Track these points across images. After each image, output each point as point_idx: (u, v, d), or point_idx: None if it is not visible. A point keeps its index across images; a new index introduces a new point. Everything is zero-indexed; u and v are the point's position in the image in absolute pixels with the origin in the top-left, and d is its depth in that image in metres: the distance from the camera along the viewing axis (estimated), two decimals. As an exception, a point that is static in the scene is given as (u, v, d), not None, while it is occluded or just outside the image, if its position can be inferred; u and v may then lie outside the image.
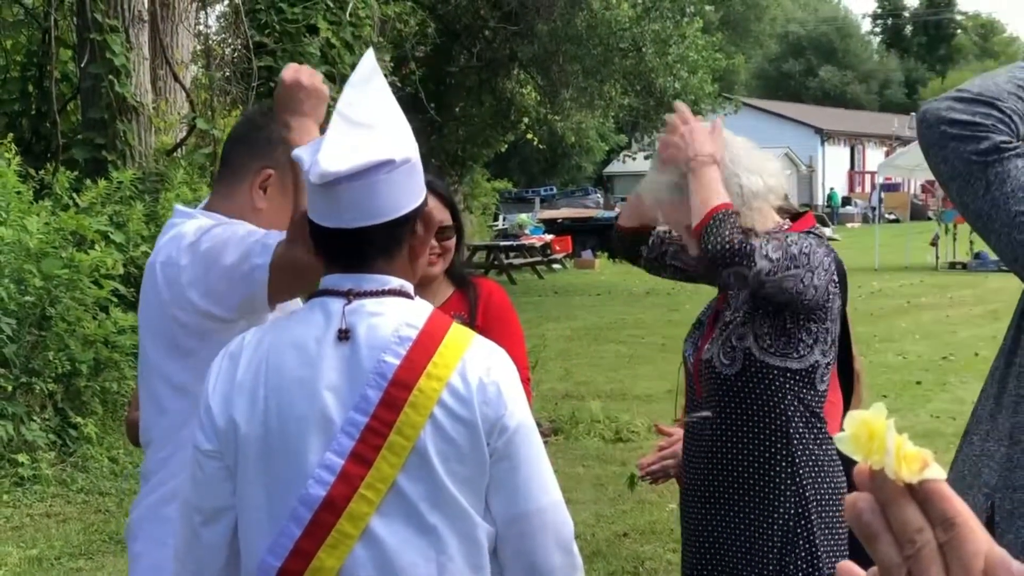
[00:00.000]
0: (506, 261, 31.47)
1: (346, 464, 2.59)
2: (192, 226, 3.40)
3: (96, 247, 11.07)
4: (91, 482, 10.06)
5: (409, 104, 21.09)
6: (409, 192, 2.71)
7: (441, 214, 4.57)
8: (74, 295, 10.70)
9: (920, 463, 1.06)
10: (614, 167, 60.90)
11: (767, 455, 3.85)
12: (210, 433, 2.70)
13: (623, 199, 47.80)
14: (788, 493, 3.83)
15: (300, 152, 2.69)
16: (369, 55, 2.77)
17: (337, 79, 18.43)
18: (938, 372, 15.59)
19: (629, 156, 32.69)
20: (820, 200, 64.16)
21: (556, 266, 34.02)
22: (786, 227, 3.90)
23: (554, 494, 2.79)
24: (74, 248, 10.99)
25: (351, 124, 2.65)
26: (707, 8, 27.01)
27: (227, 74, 14.70)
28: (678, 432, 4.38)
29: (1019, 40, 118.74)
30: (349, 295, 2.68)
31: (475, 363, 2.69)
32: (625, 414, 12.50)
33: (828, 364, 3.87)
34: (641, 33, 25.75)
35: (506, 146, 33.55)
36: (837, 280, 3.82)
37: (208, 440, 2.71)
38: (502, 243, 33.04)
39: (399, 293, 2.72)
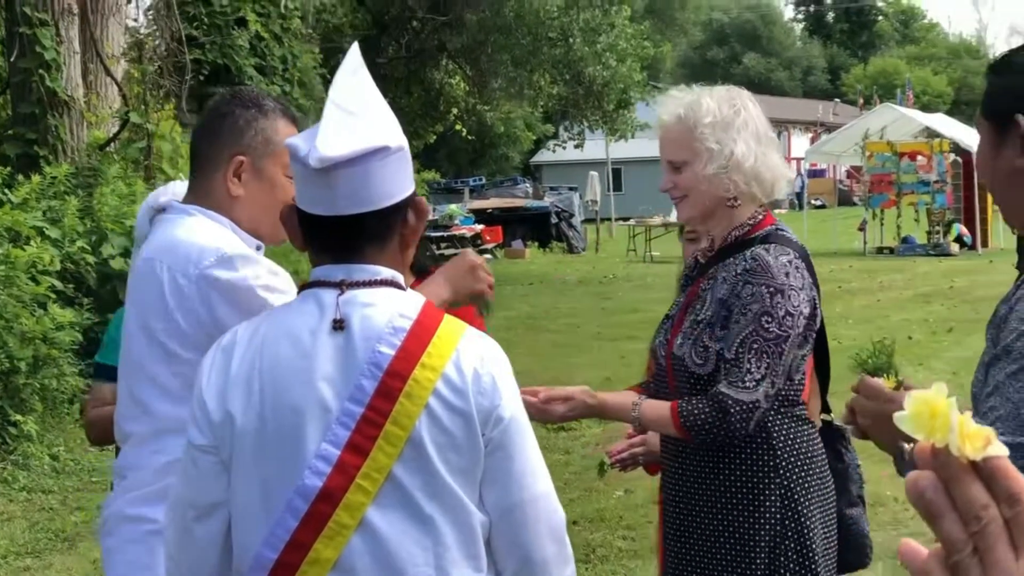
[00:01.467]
0: (437, 252, 31.44)
1: (342, 454, 2.60)
2: (203, 235, 3.39)
3: (32, 243, 10.96)
4: (33, 480, 9.97)
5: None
6: (401, 180, 2.72)
7: None
8: (11, 292, 10.60)
9: (983, 440, 1.07)
10: (542, 156, 60.94)
11: (748, 451, 3.85)
12: (204, 427, 2.69)
13: (552, 188, 47.91)
14: (773, 487, 3.82)
15: (295, 140, 2.69)
16: (355, 48, 2.79)
17: (267, 71, 18.47)
18: (873, 356, 15.71)
19: (559, 145, 32.69)
20: (747, 187, 64.59)
21: (487, 256, 34.03)
22: (748, 227, 3.92)
23: (546, 483, 2.82)
24: (9, 244, 10.89)
25: (345, 112, 2.66)
26: (635, -4, 27.02)
27: (158, 68, 14.59)
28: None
29: (939, 26, 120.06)
30: (342, 285, 2.68)
31: (469, 353, 2.70)
32: (565, 403, 12.49)
33: (804, 356, 3.89)
34: (570, 22, 25.82)
35: (435, 137, 33.52)
36: (815, 294, 3.86)
37: (202, 435, 2.70)
38: (432, 234, 32.99)
39: (391, 283, 2.73)
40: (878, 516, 8.06)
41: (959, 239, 31.45)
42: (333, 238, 2.70)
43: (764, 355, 3.67)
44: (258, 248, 3.60)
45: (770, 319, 3.68)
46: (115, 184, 12.73)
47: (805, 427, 3.93)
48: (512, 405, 2.74)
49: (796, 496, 3.83)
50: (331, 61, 21.84)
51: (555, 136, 44.98)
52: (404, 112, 29.18)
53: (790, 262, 3.76)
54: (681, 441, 3.94)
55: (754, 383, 3.66)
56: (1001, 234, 29.32)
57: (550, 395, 3.94)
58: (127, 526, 3.47)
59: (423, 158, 39.05)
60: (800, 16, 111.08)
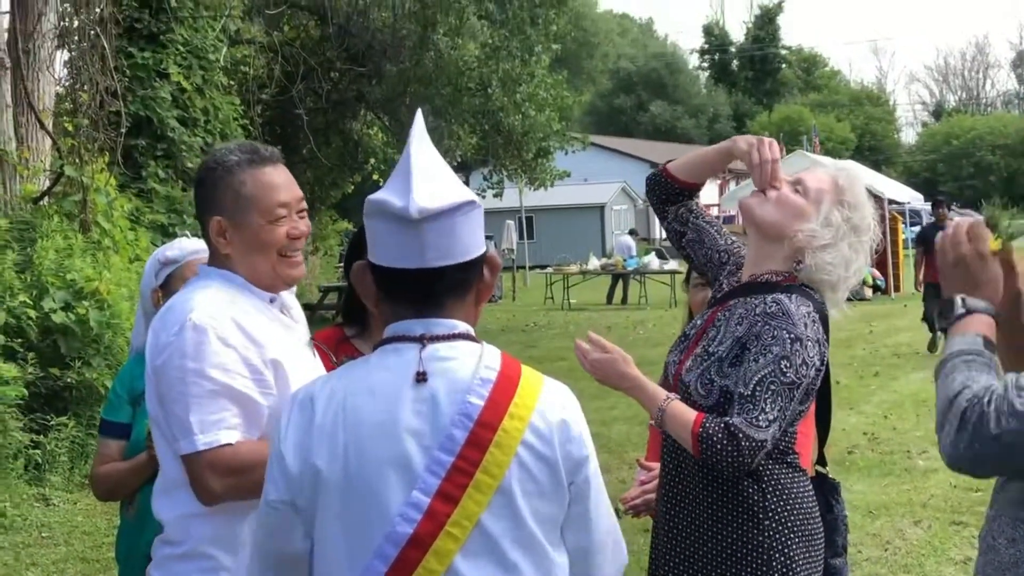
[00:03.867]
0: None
1: (433, 502, 2.67)
2: (199, 312, 3.53)
3: (-29, 298, 10.90)
4: (-20, 536, 9.88)
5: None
6: (480, 235, 2.83)
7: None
8: (-47, 347, 10.53)
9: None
10: (455, 205, 60.93)
11: (738, 492, 3.92)
12: (280, 483, 2.77)
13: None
14: (761, 528, 3.90)
15: (384, 196, 2.77)
16: (419, 116, 2.89)
17: (189, 123, 18.41)
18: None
19: (479, 193, 32.77)
20: (658, 234, 65.01)
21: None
22: (783, 275, 4.03)
23: (613, 517, 2.97)
24: (-51, 299, 10.82)
25: (424, 172, 2.76)
26: (554, 47, 27.18)
27: (91, 120, 14.53)
28: (658, 466, 4.50)
29: (840, 73, 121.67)
30: (423, 339, 2.77)
31: (552, 402, 2.81)
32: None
33: (802, 411, 3.98)
34: (489, 73, 25.94)
35: (352, 187, 33.49)
36: (826, 351, 3.96)
37: (277, 490, 2.78)
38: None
39: (467, 337, 2.82)
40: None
41: (873, 283, 31.87)
42: (416, 291, 2.78)
43: (779, 397, 3.77)
44: (272, 300, 3.70)
45: (788, 364, 3.78)
46: (54, 238, 12.66)
47: (796, 474, 4.01)
48: (591, 451, 2.85)
49: (786, 540, 3.91)
50: (250, 112, 21.80)
51: (466, 184, 45.04)
52: (322, 163, 29.15)
53: (808, 314, 3.88)
54: (680, 472, 4.05)
55: (767, 423, 3.75)
56: (911, 279, 29.77)
57: (599, 341, 4.03)
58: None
59: (339, 208, 38.94)
60: (705, 64, 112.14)
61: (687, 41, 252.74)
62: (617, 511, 4.89)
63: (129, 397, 4.61)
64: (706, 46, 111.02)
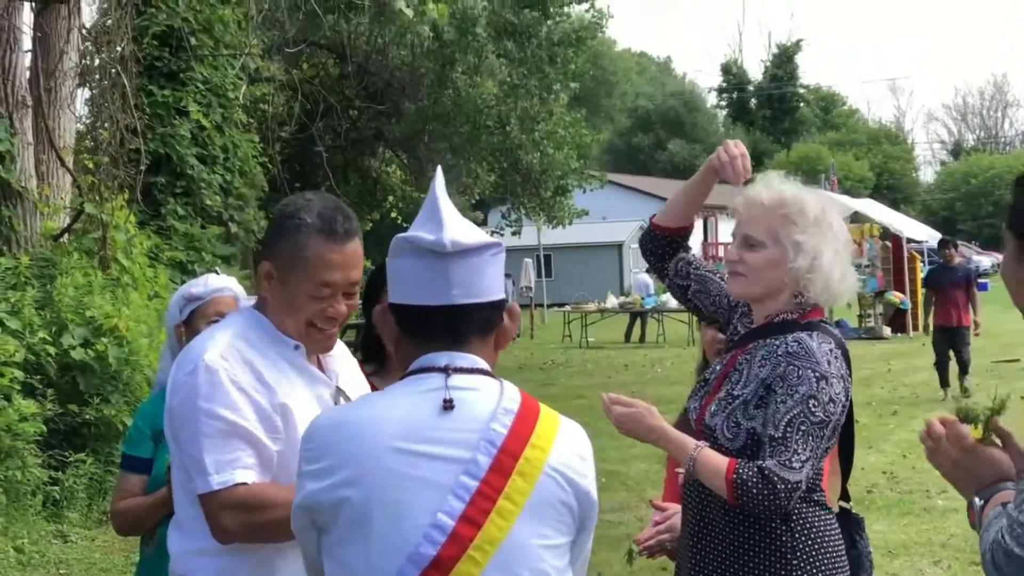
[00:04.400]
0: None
1: (457, 525, 2.69)
2: (212, 353, 3.57)
3: (-6, 335, 10.95)
4: (-1, 574, 9.89)
5: (272, 184, 21.11)
6: (501, 279, 2.90)
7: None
8: (-26, 384, 10.56)
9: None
10: (471, 243, 60.97)
11: (767, 532, 3.94)
12: (302, 509, 2.84)
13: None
14: (790, 568, 3.92)
15: (415, 232, 2.82)
16: (439, 173, 2.95)
17: (208, 160, 18.47)
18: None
19: (497, 232, 32.80)
20: (675, 271, 64.94)
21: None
22: (798, 313, 4.06)
23: None
24: (-29, 336, 10.87)
25: (452, 212, 2.84)
26: (572, 85, 27.27)
27: (111, 158, 14.59)
28: (673, 507, 4.49)
29: (859, 112, 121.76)
30: (447, 370, 2.81)
31: (569, 437, 2.88)
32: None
33: (827, 448, 3.98)
34: (508, 111, 26.03)
35: (371, 224, 33.59)
36: (849, 387, 3.98)
37: (298, 518, 2.86)
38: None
39: (487, 374, 2.87)
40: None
41: (900, 304, 31.92)
42: (441, 327, 2.83)
43: (810, 437, 3.79)
44: (296, 348, 3.70)
45: (816, 403, 3.80)
46: (73, 275, 12.71)
47: (823, 512, 4.02)
48: (595, 487, 2.92)
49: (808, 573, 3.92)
50: (269, 149, 21.89)
51: (484, 223, 45.12)
52: (341, 200, 29.16)
53: (831, 351, 3.90)
54: (705, 513, 4.05)
55: (800, 464, 3.77)
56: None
57: (618, 399, 4.05)
58: None
59: (358, 245, 39.05)
60: (723, 103, 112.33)
61: (705, 80, 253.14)
62: (631, 552, 4.93)
63: (151, 432, 4.62)
64: (724, 84, 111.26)
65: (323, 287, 3.62)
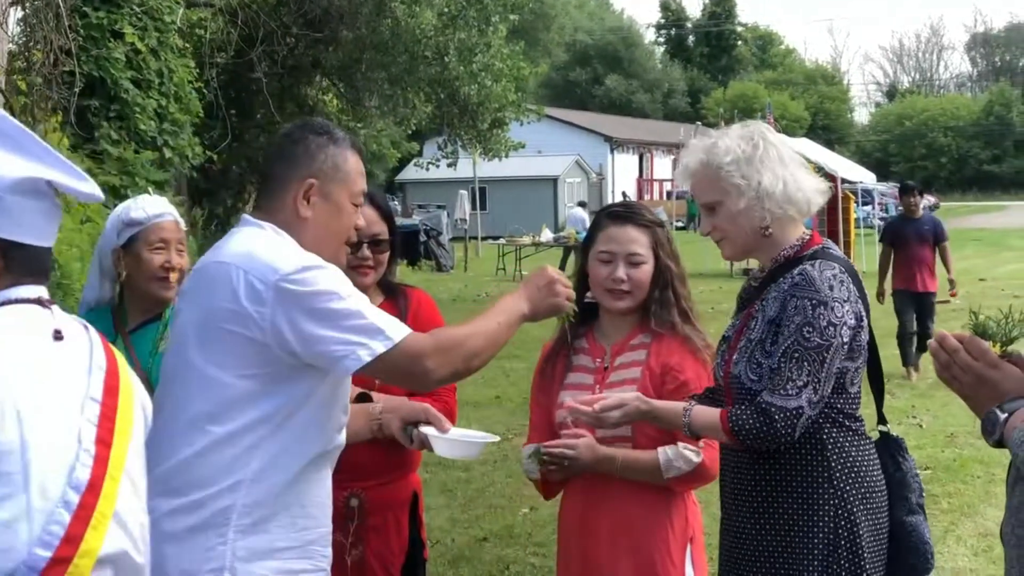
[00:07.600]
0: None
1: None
2: (280, 247, 3.61)
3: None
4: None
5: (207, 110, 20.90)
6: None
7: (378, 226, 4.64)
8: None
9: None
10: (407, 174, 60.91)
11: (803, 463, 4.00)
12: None
13: (420, 206, 47.88)
14: (827, 497, 3.98)
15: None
16: None
17: (143, 85, 18.22)
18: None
19: (432, 163, 32.64)
20: (610, 207, 65.01)
21: (357, 273, 33.81)
22: (797, 247, 4.11)
23: None
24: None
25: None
26: (511, 17, 27.12)
27: (41, 79, 14.38)
28: (584, 433, 4.45)
29: (796, 52, 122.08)
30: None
31: None
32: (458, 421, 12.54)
33: (858, 368, 4.04)
34: (446, 42, 25.84)
35: (306, 153, 33.35)
36: (860, 308, 4.02)
37: None
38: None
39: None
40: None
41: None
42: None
43: (805, 363, 3.85)
44: None
45: (811, 329, 3.86)
46: (6, 197, 12.55)
47: (860, 440, 4.08)
48: None
49: (850, 507, 3.99)
50: (205, 75, 21.64)
51: (419, 154, 44.97)
52: (275, 128, 28.93)
53: (835, 276, 3.94)
54: (739, 466, 4.13)
55: (796, 390, 3.85)
56: (864, 257, 29.88)
57: (604, 405, 4.13)
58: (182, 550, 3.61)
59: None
60: (661, 39, 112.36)
61: (644, 15, 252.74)
62: (539, 452, 4.67)
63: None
64: (662, 21, 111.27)
65: (360, 196, 3.86)
